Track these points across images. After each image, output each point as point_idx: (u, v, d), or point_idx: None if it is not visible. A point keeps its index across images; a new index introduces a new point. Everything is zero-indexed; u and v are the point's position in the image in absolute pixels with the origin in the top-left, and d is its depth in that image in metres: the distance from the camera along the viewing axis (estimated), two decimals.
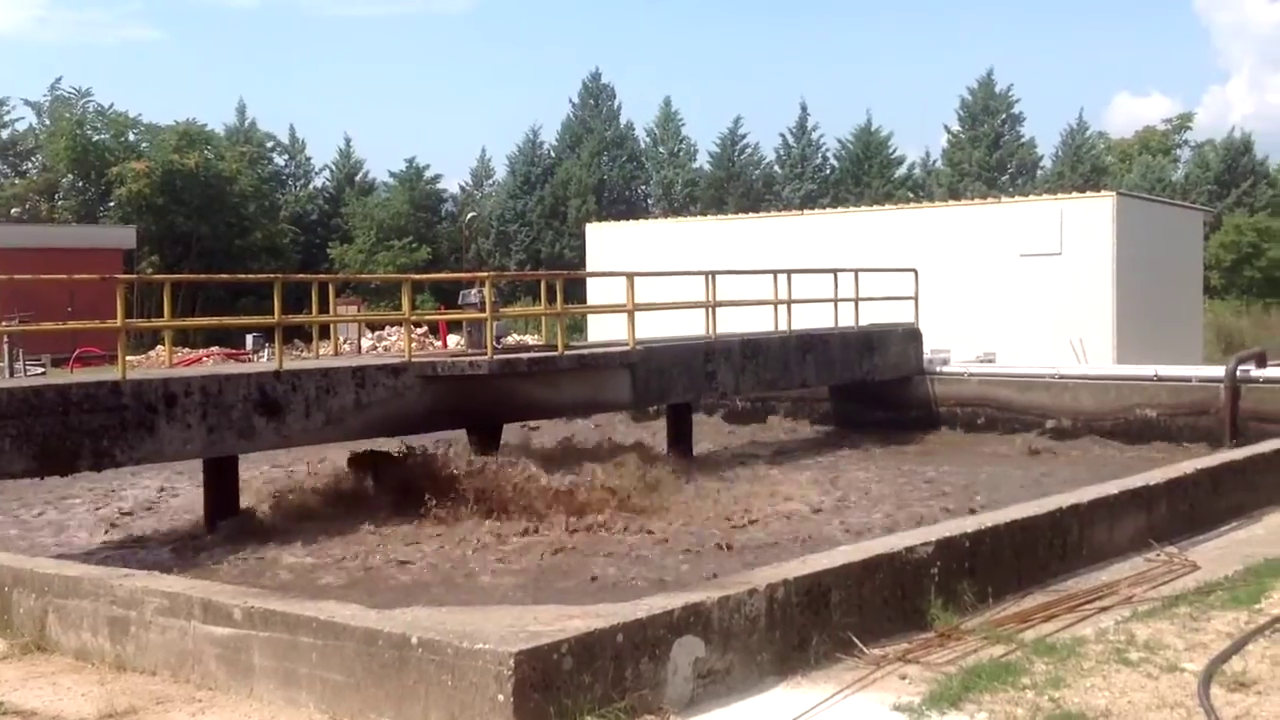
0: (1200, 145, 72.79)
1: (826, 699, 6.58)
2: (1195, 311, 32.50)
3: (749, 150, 70.31)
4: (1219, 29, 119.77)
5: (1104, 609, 8.35)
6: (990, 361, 24.05)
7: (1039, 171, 66.70)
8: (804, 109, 70.30)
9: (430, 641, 6.11)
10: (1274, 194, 63.48)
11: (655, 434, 20.88)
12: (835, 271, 22.09)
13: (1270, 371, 20.48)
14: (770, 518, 14.80)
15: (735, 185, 67.69)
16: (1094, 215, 26.51)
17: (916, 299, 23.46)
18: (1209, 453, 15.27)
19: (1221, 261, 55.23)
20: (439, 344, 32.74)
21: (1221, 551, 10.22)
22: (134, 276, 25.41)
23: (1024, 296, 26.67)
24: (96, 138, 60.05)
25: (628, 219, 41.50)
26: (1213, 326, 39.46)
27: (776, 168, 70.26)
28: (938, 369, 23.36)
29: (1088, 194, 29.79)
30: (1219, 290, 53.78)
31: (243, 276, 40.67)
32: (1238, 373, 19.97)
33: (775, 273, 20.85)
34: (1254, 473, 12.32)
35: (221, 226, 57.18)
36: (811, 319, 21.89)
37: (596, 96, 71.28)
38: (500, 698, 5.77)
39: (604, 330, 26.77)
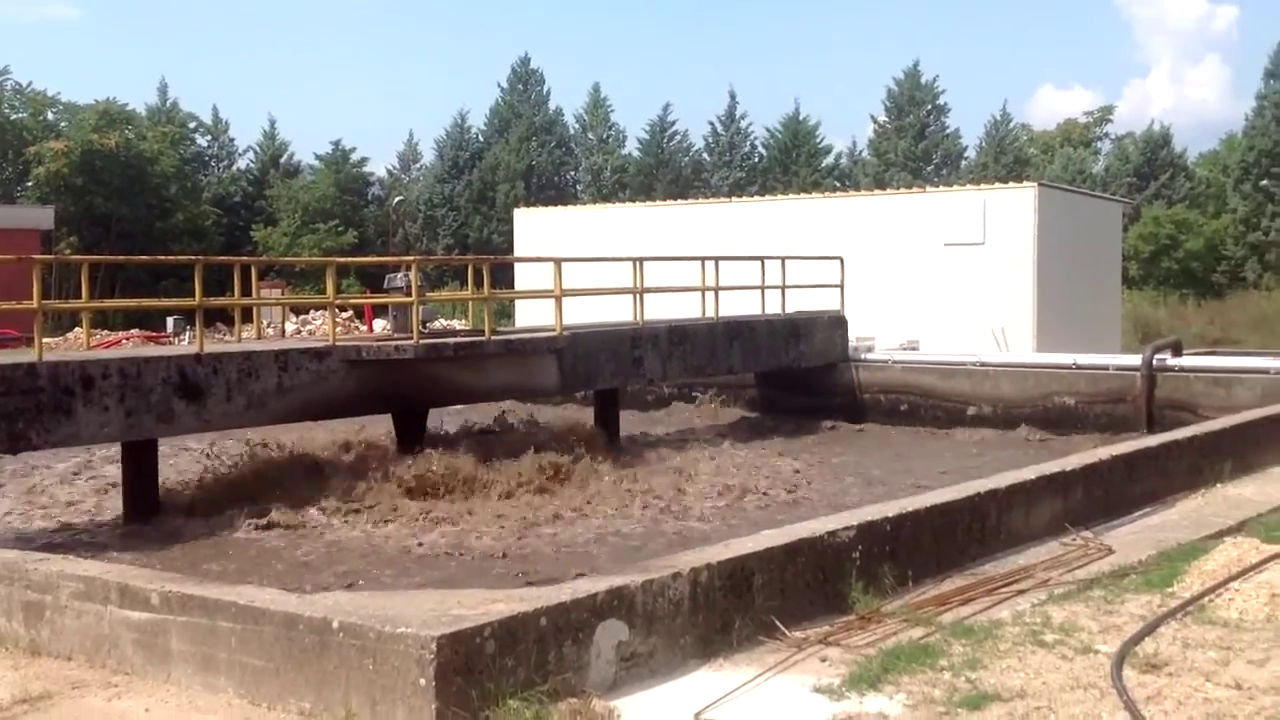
0: (1120, 138, 74.05)
1: (748, 681, 6.63)
2: (1114, 301, 33.07)
3: (678, 137, 70.40)
4: (1139, 23, 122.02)
5: (1021, 592, 8.49)
6: (914, 349, 24.30)
7: (963, 162, 67.42)
8: (733, 97, 70.66)
9: (351, 626, 6.07)
10: (1192, 187, 64.66)
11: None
12: (762, 259, 22.21)
13: (1185, 360, 20.94)
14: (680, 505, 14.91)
15: (664, 172, 67.74)
16: (1016, 206, 26.87)
17: (842, 287, 23.66)
18: (1125, 439, 15.54)
19: (1140, 252, 56.20)
20: (364, 328, 32.48)
21: (1136, 536, 10.41)
22: (51, 257, 24.92)
23: (947, 285, 26.99)
24: (14, 116, 58.69)
25: (557, 205, 41.39)
26: (1131, 316, 40.19)
27: (705, 155, 70.39)
28: (862, 356, 23.57)
29: (1010, 185, 30.18)
30: (1137, 280, 54.74)
31: (163, 258, 39.94)
32: (1154, 361, 20.37)
33: (703, 259, 20.93)
34: (1168, 459, 12.56)
35: (142, 208, 56.14)
36: (739, 306, 22.00)
37: (525, 81, 70.93)
38: (422, 681, 5.76)
39: (532, 316, 26.71)
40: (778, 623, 7.44)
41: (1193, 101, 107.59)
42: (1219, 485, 12.74)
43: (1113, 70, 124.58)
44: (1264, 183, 58.07)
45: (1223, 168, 66.19)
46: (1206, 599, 7.97)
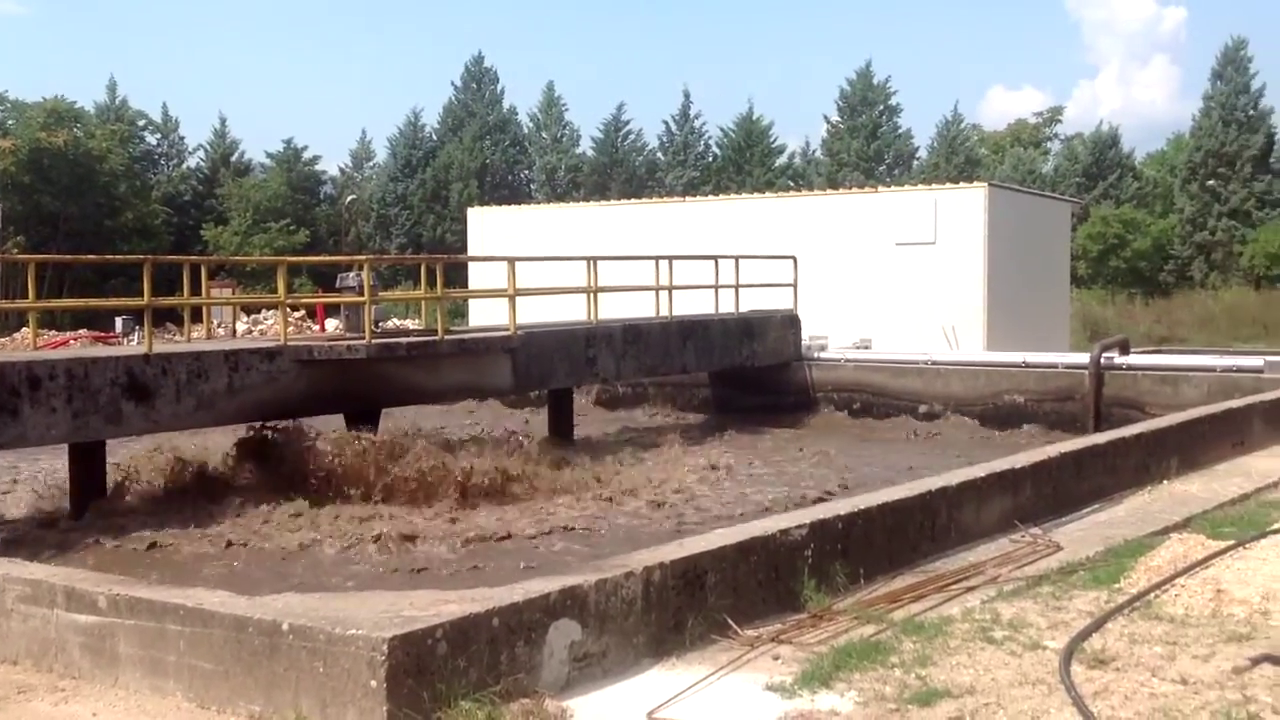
0: (1070, 138, 74.95)
1: (701, 680, 6.64)
2: (1063, 300, 33.39)
3: (632, 137, 70.53)
4: (1089, 25, 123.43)
5: (970, 589, 8.54)
6: (866, 348, 24.45)
7: (915, 162, 67.93)
8: (687, 96, 70.86)
9: (302, 628, 6.03)
10: (1139, 186, 65.45)
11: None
12: (716, 258, 22.27)
13: (1132, 359, 21.20)
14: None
15: (618, 171, 67.80)
16: (966, 205, 27.07)
17: (795, 286, 23.75)
18: (1073, 437, 15.67)
19: (1089, 252, 56.82)
20: (316, 328, 32.30)
21: (1084, 533, 10.50)
22: None
23: (899, 284, 27.16)
24: None
25: (510, 204, 41.30)
26: (1079, 315, 40.60)
27: (659, 154, 70.54)
28: (815, 355, 23.68)
29: (961, 185, 30.38)
30: (1086, 280, 55.37)
31: (112, 257, 39.54)
32: (1102, 360, 20.60)
33: (657, 259, 20.96)
34: (1115, 456, 12.68)
35: (91, 206, 55.57)
36: (692, 305, 22.04)
37: (479, 80, 70.78)
38: (373, 684, 5.73)
39: (485, 315, 26.61)
40: (730, 621, 7.46)
41: (1141, 102, 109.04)
42: (1166, 482, 12.89)
43: (1062, 71, 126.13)
44: (1210, 183, 58.88)
45: (1170, 168, 67.05)
46: (1153, 595, 8.06)
